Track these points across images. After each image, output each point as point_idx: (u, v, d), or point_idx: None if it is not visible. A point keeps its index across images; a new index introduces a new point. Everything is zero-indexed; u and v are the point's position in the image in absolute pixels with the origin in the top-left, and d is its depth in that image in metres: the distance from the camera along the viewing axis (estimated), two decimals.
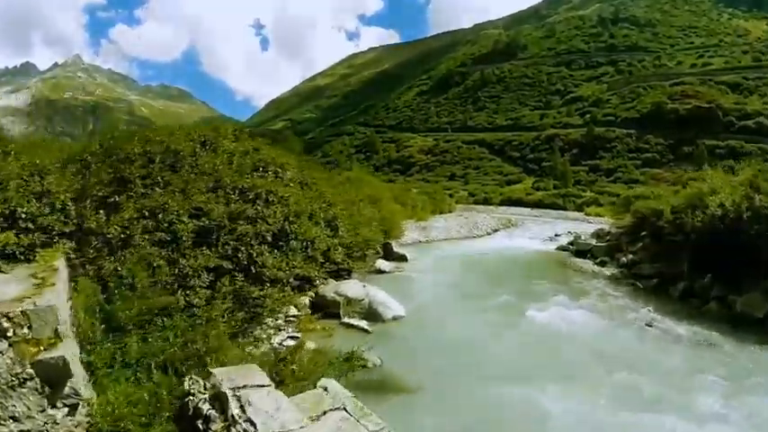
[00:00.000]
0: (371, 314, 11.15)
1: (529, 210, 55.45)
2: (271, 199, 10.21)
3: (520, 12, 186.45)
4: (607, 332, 10.62)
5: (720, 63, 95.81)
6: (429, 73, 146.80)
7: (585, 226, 36.46)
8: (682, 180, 30.88)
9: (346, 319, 10.83)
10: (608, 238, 20.53)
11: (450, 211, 44.45)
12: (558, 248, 23.32)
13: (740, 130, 74.96)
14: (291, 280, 10.12)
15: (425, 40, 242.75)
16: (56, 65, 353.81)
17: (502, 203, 63.02)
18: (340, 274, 15.38)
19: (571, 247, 22.62)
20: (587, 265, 18.88)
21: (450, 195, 66.99)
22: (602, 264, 18.85)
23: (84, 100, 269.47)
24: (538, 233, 30.81)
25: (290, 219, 10.30)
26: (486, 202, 64.96)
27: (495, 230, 32.11)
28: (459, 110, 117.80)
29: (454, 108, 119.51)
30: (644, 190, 23.86)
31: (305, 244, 10.71)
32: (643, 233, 18.53)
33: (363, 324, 10.50)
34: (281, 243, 10.06)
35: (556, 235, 28.95)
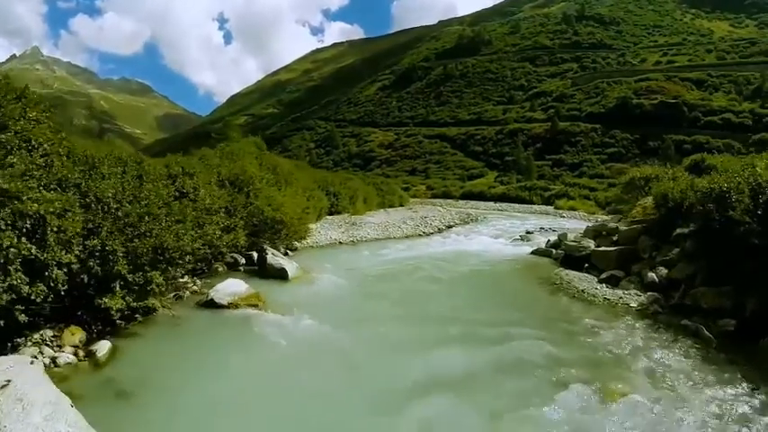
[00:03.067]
0: None
1: (492, 203, 47.81)
2: None
3: (485, 9, 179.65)
4: None
5: (684, 61, 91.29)
6: (392, 68, 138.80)
7: (560, 221, 28.79)
8: None
9: None
10: (615, 238, 12.49)
11: (401, 205, 36.34)
12: (535, 253, 15.23)
13: (706, 126, 70.71)
14: None
15: (390, 35, 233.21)
16: (14, 56, 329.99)
17: (463, 197, 55.59)
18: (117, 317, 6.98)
19: (554, 251, 14.55)
20: (589, 284, 10.73)
21: (407, 189, 59.72)
22: (614, 282, 10.76)
23: (41, 93, 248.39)
24: (504, 230, 22.74)
25: None
26: (447, 195, 57.31)
27: (450, 227, 23.92)
28: (421, 104, 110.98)
29: (416, 102, 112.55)
30: (656, 169, 15.99)
31: None
32: (681, 231, 10.58)
33: None
34: None
35: (527, 232, 20.92)
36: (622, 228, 12.67)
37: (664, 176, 15.43)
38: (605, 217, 31.45)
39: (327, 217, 24.24)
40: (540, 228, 23.08)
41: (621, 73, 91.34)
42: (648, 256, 11.30)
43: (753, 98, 72.80)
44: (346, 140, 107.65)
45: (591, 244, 12.84)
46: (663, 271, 10.30)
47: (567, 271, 12.07)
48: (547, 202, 46.64)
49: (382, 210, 29.50)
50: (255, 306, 9.05)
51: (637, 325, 8.11)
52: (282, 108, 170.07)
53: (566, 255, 13.34)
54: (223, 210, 11.04)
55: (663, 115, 72.35)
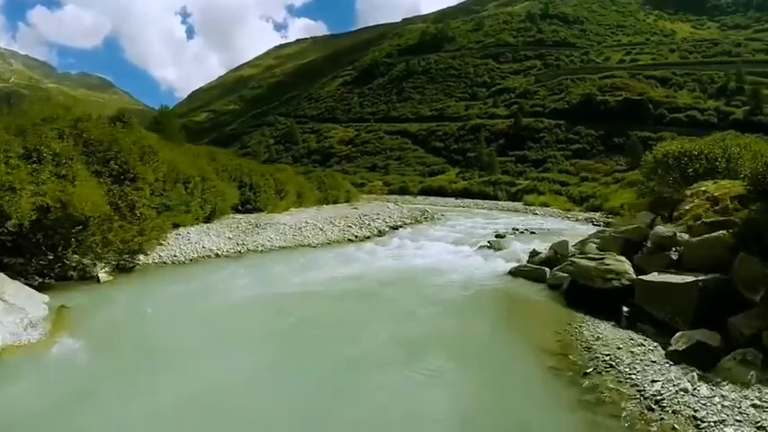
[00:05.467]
0: None
1: (453, 199, 41.68)
2: None
3: (449, 7, 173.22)
4: None
5: (648, 60, 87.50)
6: (354, 64, 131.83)
7: (535, 219, 22.76)
8: None
9: None
10: (675, 256, 6.30)
11: (346, 201, 29.89)
12: (518, 273, 8.90)
13: (672, 123, 66.95)
14: None
15: (354, 32, 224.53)
16: None
17: (422, 193, 49.41)
18: None
19: (548, 270, 8.32)
20: (657, 371, 4.52)
21: (363, 185, 53.59)
22: (705, 358, 4.59)
23: None
24: (466, 232, 16.29)
25: None
26: (404, 192, 51.08)
27: (396, 228, 17.40)
28: (382, 100, 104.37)
29: (378, 98, 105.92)
30: (694, 143, 9.96)
31: None
32: None
33: None
34: None
35: (498, 236, 14.66)
36: (686, 238, 6.47)
37: (718, 151, 9.45)
38: (586, 214, 25.80)
39: (236, 216, 17.73)
40: (514, 229, 16.87)
41: (585, 70, 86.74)
42: (765, 296, 5.16)
43: (717, 96, 69.54)
44: (306, 136, 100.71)
45: (626, 266, 6.60)
46: None
47: (590, 322, 5.82)
48: (513, 197, 40.81)
49: (316, 207, 23.06)
50: None
51: None
52: (244, 104, 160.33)
53: (573, 281, 7.15)
54: None
55: (628, 112, 68.35)
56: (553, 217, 24.68)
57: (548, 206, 30.61)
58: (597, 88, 76.24)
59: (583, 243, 8.80)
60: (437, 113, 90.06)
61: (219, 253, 11.44)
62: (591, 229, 18.09)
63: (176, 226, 13.41)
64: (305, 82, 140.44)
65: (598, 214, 25.06)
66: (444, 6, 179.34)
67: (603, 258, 6.84)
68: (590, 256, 7.14)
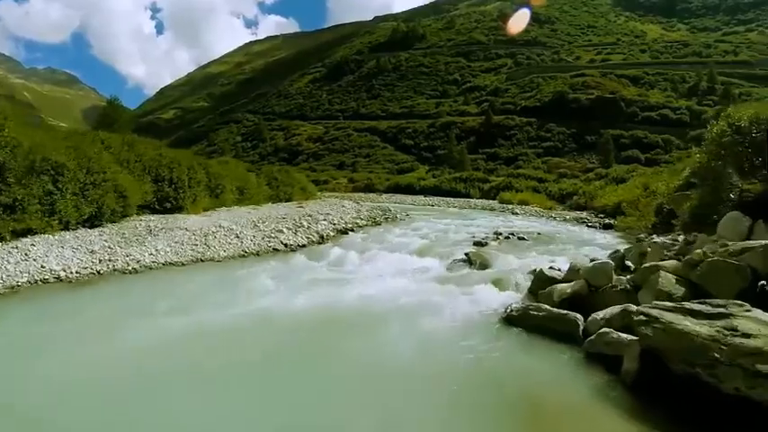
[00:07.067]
0: None
1: (422, 197, 37.75)
2: None
3: (421, 6, 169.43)
4: None
5: (619, 59, 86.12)
6: (324, 61, 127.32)
7: (518, 220, 18.93)
8: None
9: None
10: None
11: (305, 199, 25.84)
12: (516, 321, 5.04)
13: (644, 121, 65.45)
14: None
15: (325, 30, 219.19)
16: None
17: (388, 191, 45.31)
18: None
19: (580, 322, 4.54)
20: None
21: (327, 182, 49.68)
22: None
23: None
24: (435, 238, 12.33)
25: None
26: (370, 189, 47.11)
27: (345, 231, 13.31)
28: (352, 97, 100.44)
29: (347, 95, 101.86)
30: None
31: None
32: None
33: None
34: None
35: (477, 243, 10.87)
36: None
37: None
38: (573, 213, 22.28)
39: (145, 217, 13.56)
40: (496, 233, 13.02)
41: (557, 69, 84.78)
42: None
43: (689, 96, 68.39)
44: (274, 134, 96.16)
45: None
46: None
47: None
48: (487, 195, 37.20)
49: (253, 205, 18.92)
50: None
51: None
52: (213, 101, 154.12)
53: (654, 361, 3.32)
54: None
55: (600, 110, 66.23)
56: (536, 216, 21.04)
57: (527, 204, 27.08)
58: (569, 86, 74.51)
59: (631, 259, 5.00)
60: (407, 111, 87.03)
61: (64, 276, 7.31)
62: (589, 233, 14.40)
63: (28, 233, 9.23)
64: (274, 79, 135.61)
65: (585, 213, 21.66)
66: (416, 5, 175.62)
67: (728, 316, 3.03)
68: (688, 306, 3.32)
